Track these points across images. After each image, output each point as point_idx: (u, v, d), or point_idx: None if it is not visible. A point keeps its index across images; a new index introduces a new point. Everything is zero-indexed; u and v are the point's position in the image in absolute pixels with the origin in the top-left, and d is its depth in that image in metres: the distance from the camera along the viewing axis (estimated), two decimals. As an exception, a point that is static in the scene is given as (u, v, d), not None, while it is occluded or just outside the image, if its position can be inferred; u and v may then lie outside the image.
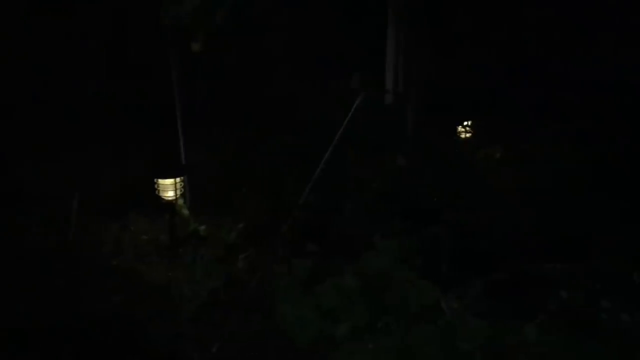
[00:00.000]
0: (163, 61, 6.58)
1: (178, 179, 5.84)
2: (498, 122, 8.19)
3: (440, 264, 4.98)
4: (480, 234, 5.48)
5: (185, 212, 6.18)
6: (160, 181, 5.80)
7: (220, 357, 4.30)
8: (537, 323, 4.23)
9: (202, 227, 6.05)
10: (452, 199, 6.14)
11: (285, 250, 5.39)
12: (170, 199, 5.82)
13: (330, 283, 4.69)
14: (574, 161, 6.92)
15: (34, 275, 5.11)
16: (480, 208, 5.95)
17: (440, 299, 4.50)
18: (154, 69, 6.82)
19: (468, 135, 8.91)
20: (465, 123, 8.85)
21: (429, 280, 4.61)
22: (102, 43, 6.36)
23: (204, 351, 4.36)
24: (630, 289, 4.73)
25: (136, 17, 6.55)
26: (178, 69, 6.58)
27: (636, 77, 7.95)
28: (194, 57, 6.58)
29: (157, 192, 5.82)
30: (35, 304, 4.68)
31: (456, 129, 8.85)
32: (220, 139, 7.27)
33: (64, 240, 5.81)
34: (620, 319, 4.38)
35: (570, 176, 6.53)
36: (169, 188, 5.81)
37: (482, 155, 8.34)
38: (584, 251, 5.21)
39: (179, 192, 5.86)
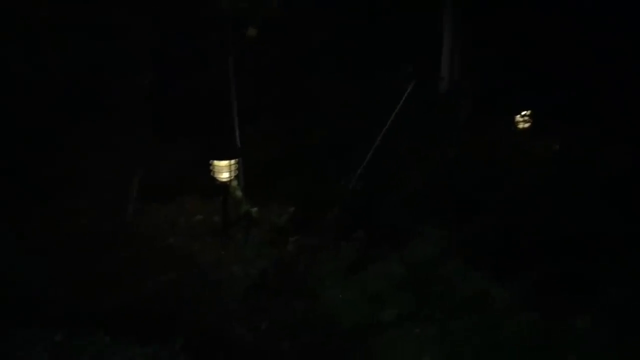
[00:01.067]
0: (220, 48, 6.71)
1: (232, 161, 5.93)
2: (556, 113, 7.94)
3: (489, 254, 4.91)
4: (531, 226, 5.35)
5: (239, 193, 6.31)
6: (216, 163, 5.90)
7: (268, 336, 4.40)
8: (588, 317, 4.15)
9: (255, 209, 6.18)
10: (503, 190, 6.02)
11: (333, 236, 5.44)
12: (224, 180, 5.93)
13: (376, 269, 4.74)
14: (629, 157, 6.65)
15: (94, 254, 5.33)
16: (532, 200, 5.81)
17: (489, 288, 4.47)
18: (211, 55, 6.96)
19: (526, 125, 8.69)
20: (523, 113, 8.63)
21: (477, 270, 4.59)
22: (158, 32, 6.51)
23: (253, 330, 4.47)
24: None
25: (195, 6, 6.67)
26: (233, 56, 6.70)
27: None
28: (244, 48, 6.67)
29: (212, 173, 5.95)
30: (95, 281, 4.89)
31: (513, 118, 8.64)
32: (270, 126, 7.36)
33: (123, 221, 6.04)
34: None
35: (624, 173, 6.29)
36: (223, 169, 5.90)
37: (540, 146, 8.13)
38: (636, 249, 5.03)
39: (233, 174, 5.96)
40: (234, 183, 6.21)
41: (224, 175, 5.92)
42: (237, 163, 6.07)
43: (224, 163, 5.91)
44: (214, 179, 5.95)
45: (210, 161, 5.93)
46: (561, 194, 6.04)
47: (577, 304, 4.41)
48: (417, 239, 4.86)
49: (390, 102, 6.93)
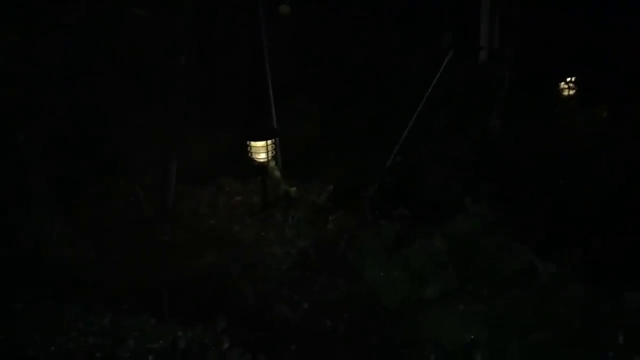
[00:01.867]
0: (254, 28, 6.67)
1: (270, 142, 5.93)
2: (604, 79, 7.60)
3: (535, 227, 4.76)
4: (579, 198, 5.16)
5: (277, 173, 6.29)
6: (253, 143, 5.92)
7: (309, 315, 4.39)
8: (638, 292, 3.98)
9: (293, 189, 6.15)
10: (550, 162, 5.81)
11: (374, 213, 5.38)
12: (262, 161, 5.94)
13: (418, 246, 4.65)
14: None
15: (137, 237, 5.42)
16: (580, 171, 5.59)
17: (535, 263, 4.33)
18: (246, 36, 6.91)
19: (571, 92, 8.38)
20: (568, 79, 8.32)
21: (523, 244, 4.45)
22: (195, 13, 6.51)
23: (294, 309, 4.47)
24: None
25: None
26: (267, 36, 6.65)
27: None
28: (278, 25, 6.58)
29: (249, 154, 5.95)
30: (138, 263, 4.97)
31: (558, 85, 8.34)
32: (308, 104, 7.29)
33: (164, 203, 6.10)
34: None
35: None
36: (261, 150, 5.91)
37: (586, 114, 7.83)
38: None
39: (270, 155, 5.95)
40: (272, 163, 6.19)
41: (262, 156, 5.93)
42: (275, 143, 6.06)
43: (261, 144, 5.91)
44: (252, 160, 5.95)
45: (248, 142, 5.93)
46: (610, 163, 5.80)
47: (626, 278, 4.22)
48: (460, 214, 4.73)
49: (430, 74, 6.76)
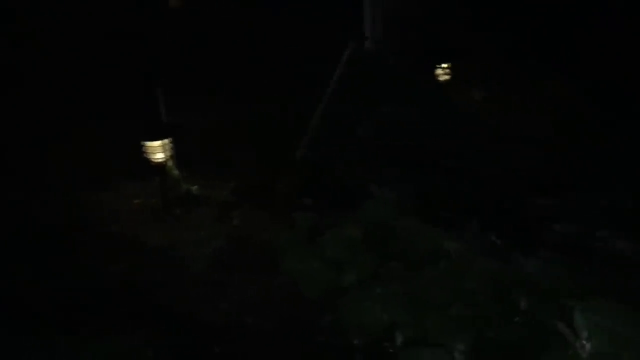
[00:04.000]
0: (140, 23, 6.41)
1: (166, 140, 5.74)
2: (477, 65, 8.17)
3: (439, 209, 5.03)
4: (474, 177, 5.54)
5: (176, 172, 6.11)
6: (148, 143, 5.70)
7: (232, 315, 4.34)
8: (538, 258, 4.35)
9: (195, 187, 6.02)
10: (443, 144, 6.17)
11: (285, 206, 5.40)
12: (159, 161, 5.74)
13: (332, 235, 4.74)
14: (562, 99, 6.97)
15: (37, 252, 5.03)
16: (472, 151, 6.00)
17: (443, 242, 4.58)
18: (131, 30, 6.62)
19: (446, 77, 8.89)
20: (443, 65, 8.82)
21: (431, 226, 4.68)
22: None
23: (214, 309, 4.40)
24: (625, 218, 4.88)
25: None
26: (156, 30, 6.43)
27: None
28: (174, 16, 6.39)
29: (145, 154, 5.73)
30: (44, 278, 4.65)
31: (434, 72, 8.81)
32: (211, 101, 7.12)
33: (60, 214, 5.70)
34: (616, 246, 4.54)
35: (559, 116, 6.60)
36: (157, 150, 5.71)
37: (464, 97, 8.37)
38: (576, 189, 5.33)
39: (168, 153, 5.77)
40: (170, 162, 5.99)
41: (159, 156, 5.73)
42: (172, 141, 5.87)
43: (157, 143, 5.71)
44: (148, 160, 5.74)
45: (142, 142, 5.71)
46: (495, 142, 6.28)
47: (524, 247, 4.60)
48: (370, 201, 4.88)
49: (331, 66, 6.87)
